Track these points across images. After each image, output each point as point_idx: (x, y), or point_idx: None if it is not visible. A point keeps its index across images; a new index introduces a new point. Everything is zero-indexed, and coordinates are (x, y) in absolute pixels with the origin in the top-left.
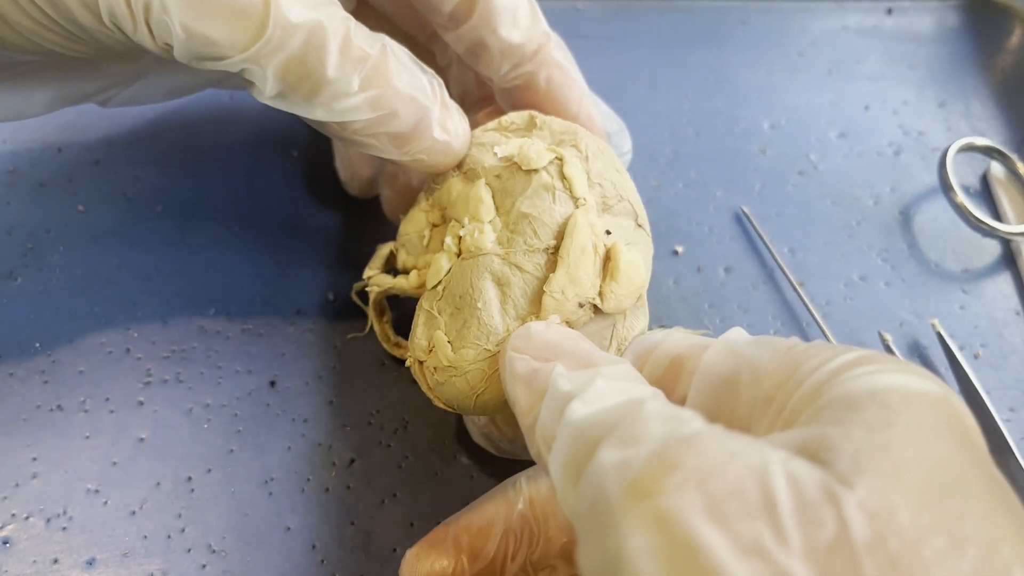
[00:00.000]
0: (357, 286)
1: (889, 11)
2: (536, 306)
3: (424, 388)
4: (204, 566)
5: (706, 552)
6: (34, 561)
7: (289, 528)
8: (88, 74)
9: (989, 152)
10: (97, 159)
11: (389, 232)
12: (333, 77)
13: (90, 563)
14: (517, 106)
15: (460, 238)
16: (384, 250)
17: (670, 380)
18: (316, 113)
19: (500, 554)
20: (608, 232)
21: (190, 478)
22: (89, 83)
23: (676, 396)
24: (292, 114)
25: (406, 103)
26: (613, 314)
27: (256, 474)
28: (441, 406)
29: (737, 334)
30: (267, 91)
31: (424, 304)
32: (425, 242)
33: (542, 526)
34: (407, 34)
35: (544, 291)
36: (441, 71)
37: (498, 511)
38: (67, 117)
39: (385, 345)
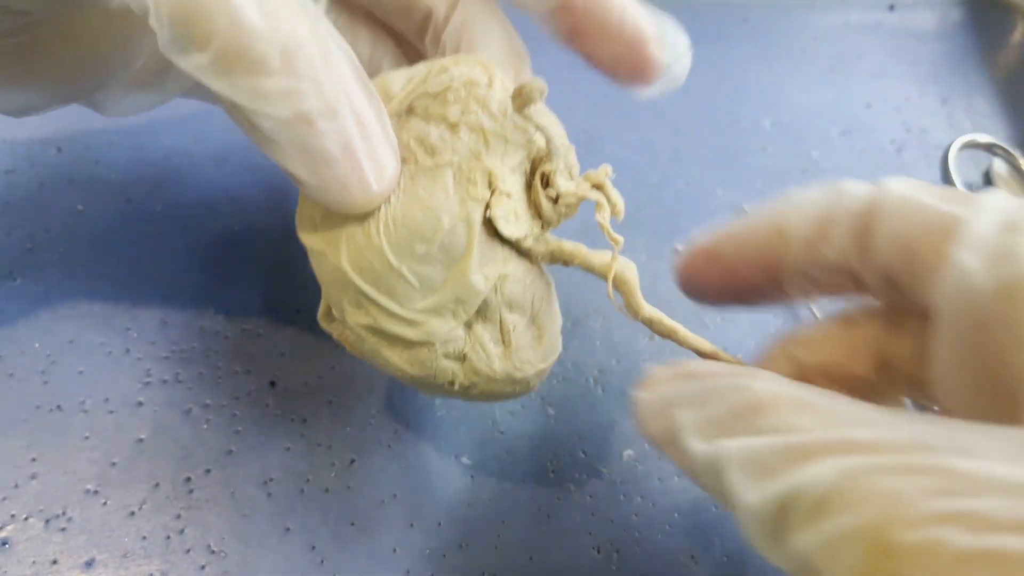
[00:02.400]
0: None
1: (891, 8)
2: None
3: None
4: (203, 567)
5: None
6: (33, 562)
7: (289, 529)
8: (81, 66)
9: (992, 149)
10: (97, 159)
11: None
12: (247, 38)
13: (89, 564)
14: (560, 32)
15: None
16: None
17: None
18: (219, 84)
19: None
20: None
21: (189, 479)
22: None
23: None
24: None
25: (331, 113)
26: None
27: (256, 474)
28: None
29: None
30: (162, 37)
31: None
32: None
33: None
34: (393, 29)
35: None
36: None
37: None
38: (67, 117)
39: None
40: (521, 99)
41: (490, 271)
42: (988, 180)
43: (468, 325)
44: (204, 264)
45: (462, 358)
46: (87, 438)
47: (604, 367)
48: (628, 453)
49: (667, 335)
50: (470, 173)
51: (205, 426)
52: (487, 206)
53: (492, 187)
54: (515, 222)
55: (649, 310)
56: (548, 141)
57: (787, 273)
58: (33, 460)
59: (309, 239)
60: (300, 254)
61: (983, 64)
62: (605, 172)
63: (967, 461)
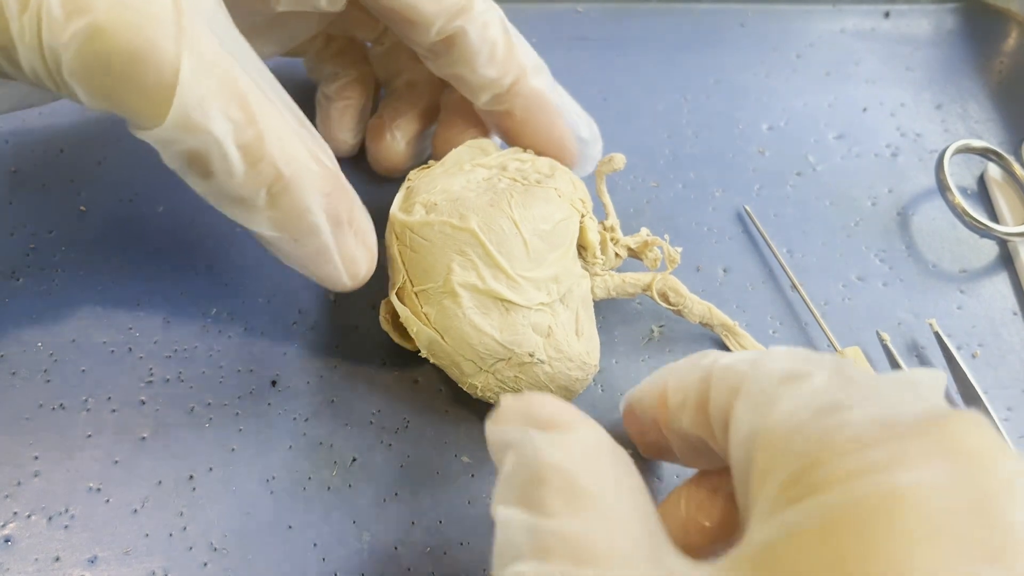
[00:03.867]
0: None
1: (886, 14)
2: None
3: None
4: (206, 564)
5: None
6: (36, 559)
7: (291, 527)
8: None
9: (986, 154)
10: (99, 160)
11: None
12: (237, 183)
13: (92, 561)
14: (498, 128)
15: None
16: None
17: None
18: (222, 209)
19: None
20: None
21: (192, 477)
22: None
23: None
24: None
25: (308, 233)
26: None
27: (258, 473)
28: None
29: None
30: (173, 166)
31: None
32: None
33: None
34: (390, 31)
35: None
36: (417, 61)
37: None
38: (69, 118)
39: None
40: (609, 165)
41: (578, 267)
42: (982, 185)
43: (551, 308)
44: (206, 264)
45: (547, 333)
46: (90, 436)
47: (604, 367)
48: (627, 452)
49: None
50: (571, 196)
51: (207, 424)
52: (582, 219)
53: (585, 210)
54: (598, 241)
55: (700, 305)
56: (609, 205)
57: (672, 439)
58: (36, 458)
59: (424, 218)
60: None
61: (977, 70)
62: (646, 232)
63: None
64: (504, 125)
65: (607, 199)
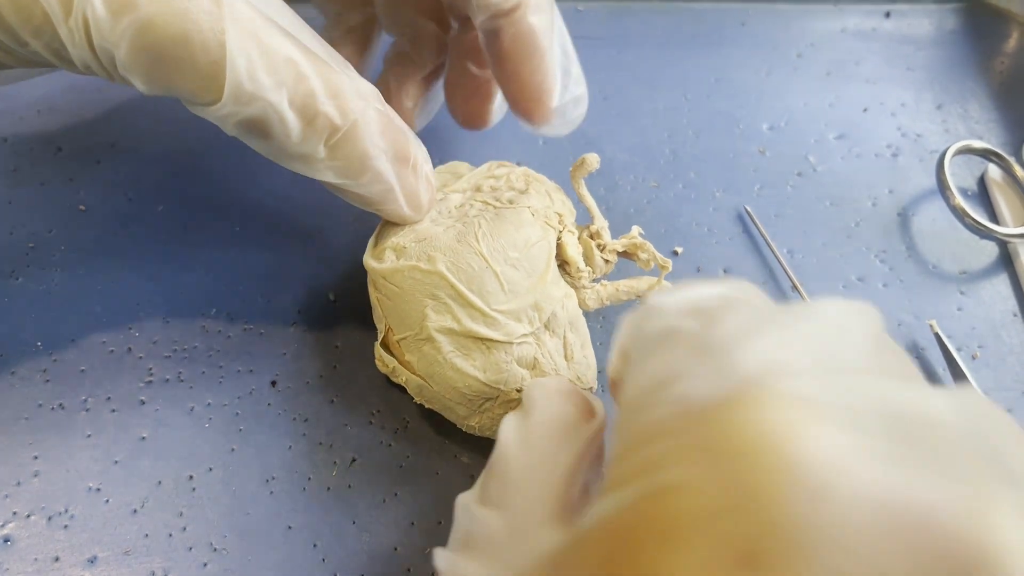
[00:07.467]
0: None
1: (887, 14)
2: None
3: None
4: (205, 564)
5: None
6: (35, 559)
7: (290, 527)
8: None
9: (986, 155)
10: (98, 159)
11: None
12: (296, 142)
13: (91, 561)
14: (489, 51)
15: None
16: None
17: None
18: (282, 162)
19: None
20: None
21: (191, 477)
22: None
23: None
24: None
25: (373, 177)
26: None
27: (257, 473)
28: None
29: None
30: (233, 133)
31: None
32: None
33: None
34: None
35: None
36: (420, 13)
37: None
38: (68, 117)
39: None
40: (582, 168)
41: (560, 288)
42: (983, 186)
43: (536, 337)
44: (206, 263)
45: (532, 365)
46: (89, 436)
47: (604, 367)
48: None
49: None
50: (545, 212)
51: (207, 425)
52: (559, 236)
53: (562, 225)
54: (579, 255)
55: None
56: (592, 208)
57: None
58: (35, 458)
59: (393, 265)
60: (301, 255)
61: (978, 70)
62: (638, 231)
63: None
64: (492, 49)
65: (590, 201)
